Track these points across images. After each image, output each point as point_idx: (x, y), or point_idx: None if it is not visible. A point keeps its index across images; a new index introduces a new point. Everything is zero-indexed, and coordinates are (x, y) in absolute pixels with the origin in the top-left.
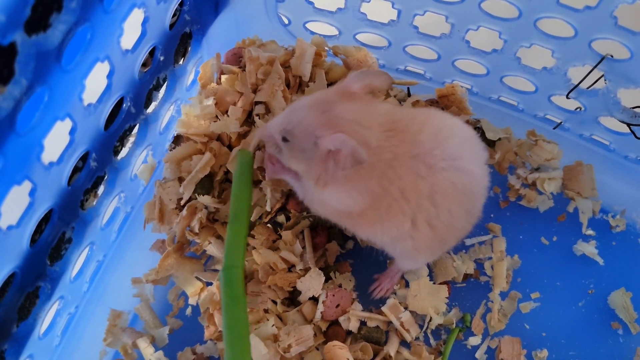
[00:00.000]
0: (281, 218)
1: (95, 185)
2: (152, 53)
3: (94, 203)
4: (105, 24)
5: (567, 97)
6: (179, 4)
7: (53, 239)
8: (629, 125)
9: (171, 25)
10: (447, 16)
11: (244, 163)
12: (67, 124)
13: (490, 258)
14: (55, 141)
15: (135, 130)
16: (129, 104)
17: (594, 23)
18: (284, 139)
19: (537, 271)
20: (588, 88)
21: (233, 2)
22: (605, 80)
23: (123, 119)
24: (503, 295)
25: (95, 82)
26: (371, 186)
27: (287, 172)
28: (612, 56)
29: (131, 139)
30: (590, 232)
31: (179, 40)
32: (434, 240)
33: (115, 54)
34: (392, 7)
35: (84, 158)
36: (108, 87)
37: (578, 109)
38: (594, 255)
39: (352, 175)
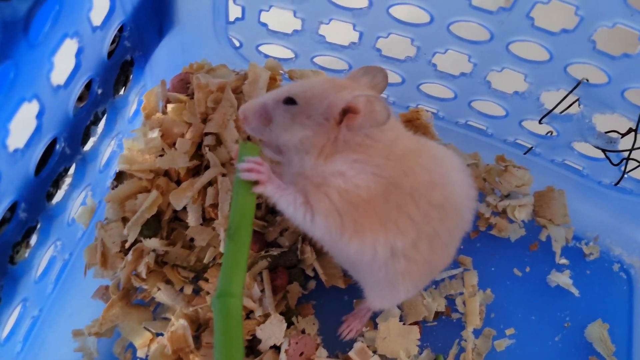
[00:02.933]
0: None
1: (27, 235)
2: (88, 86)
3: (26, 255)
4: (33, 58)
5: (540, 122)
6: (118, 30)
7: None
8: (604, 151)
9: (109, 54)
10: (413, 39)
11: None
12: None
13: (461, 293)
14: None
15: (72, 170)
16: (62, 144)
17: (570, 47)
18: (288, 101)
19: (510, 305)
20: (561, 113)
21: (179, 24)
22: (580, 105)
23: (57, 162)
24: (477, 332)
25: (21, 124)
26: (388, 166)
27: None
28: (587, 80)
29: (67, 181)
30: (563, 261)
31: (119, 70)
32: (427, 265)
33: (44, 91)
34: (354, 29)
35: (12, 208)
36: (38, 129)
37: (549, 134)
38: (568, 286)
39: (368, 146)
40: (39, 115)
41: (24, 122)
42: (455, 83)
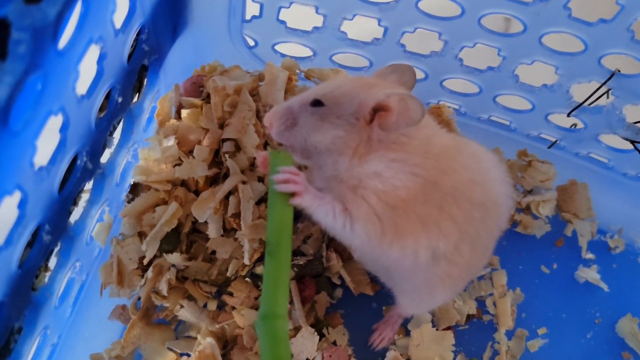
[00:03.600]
0: (261, 269)
1: (47, 259)
2: (107, 94)
3: (46, 280)
4: (61, 67)
5: (569, 116)
6: (136, 33)
7: (1, 336)
8: (632, 142)
9: (128, 58)
10: (441, 33)
11: (276, 170)
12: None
13: (491, 294)
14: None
15: (89, 186)
16: (85, 159)
17: (607, 37)
18: (316, 103)
19: (541, 303)
20: (590, 105)
21: (192, 24)
22: (609, 96)
23: (79, 178)
24: (509, 334)
25: (45, 139)
26: (426, 165)
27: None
28: (619, 71)
29: (85, 197)
30: (590, 255)
31: (136, 75)
32: (467, 268)
33: (70, 102)
34: (379, 24)
35: (35, 231)
36: (62, 144)
37: (573, 126)
38: (597, 282)
39: (403, 144)
40: (63, 129)
41: (48, 137)
42: (482, 77)
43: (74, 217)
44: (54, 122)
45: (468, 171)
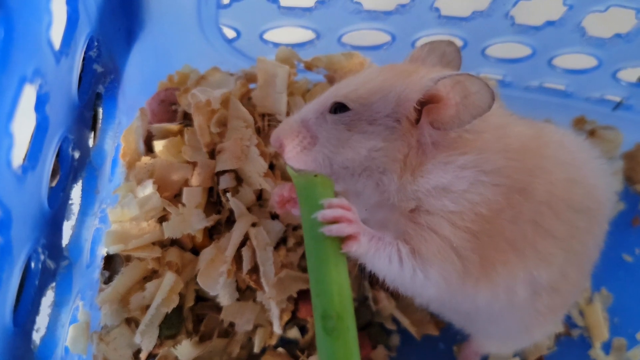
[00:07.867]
0: (293, 332)
1: None
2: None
3: None
4: None
5: None
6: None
7: None
8: None
9: (77, 90)
10: None
11: (316, 204)
12: None
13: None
14: None
15: (53, 283)
16: (42, 257)
17: None
18: (338, 108)
19: (632, 301)
20: None
21: (151, 20)
22: None
23: (37, 290)
24: (605, 347)
25: None
26: (509, 167)
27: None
28: None
29: (48, 299)
30: None
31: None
32: (573, 293)
33: (6, 189)
34: None
35: None
36: (5, 252)
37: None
38: None
39: (469, 142)
40: (3, 230)
41: None
42: (537, 37)
43: (39, 334)
44: None
45: (562, 168)
